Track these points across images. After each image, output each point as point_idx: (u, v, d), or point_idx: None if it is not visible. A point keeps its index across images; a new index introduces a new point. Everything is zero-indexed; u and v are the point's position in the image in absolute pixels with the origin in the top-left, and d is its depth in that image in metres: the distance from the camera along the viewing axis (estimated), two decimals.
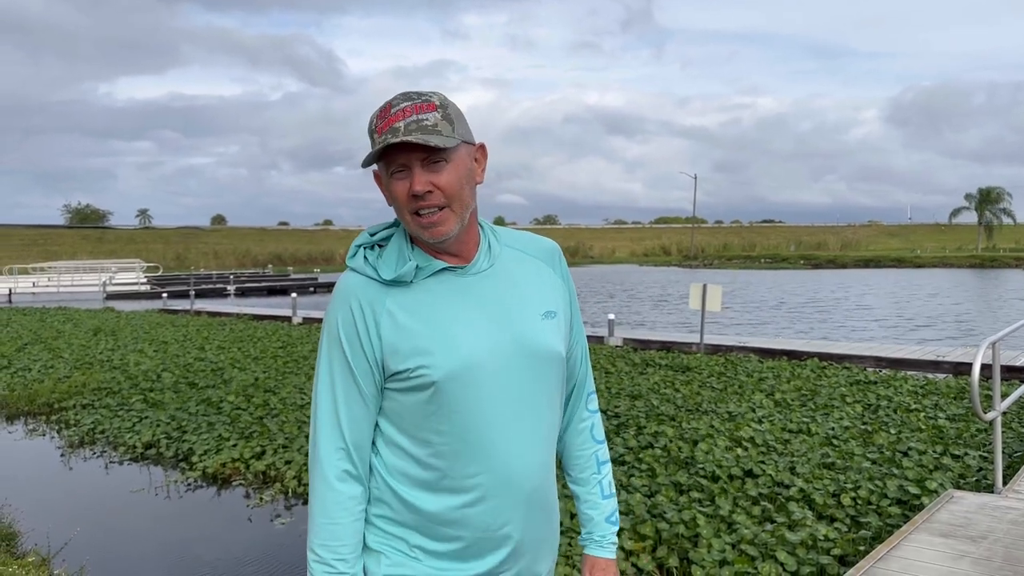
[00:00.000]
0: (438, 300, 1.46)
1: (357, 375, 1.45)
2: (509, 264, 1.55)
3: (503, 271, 1.53)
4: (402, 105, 1.40)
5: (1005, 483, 5.20)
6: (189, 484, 6.68)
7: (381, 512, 1.50)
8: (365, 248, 1.50)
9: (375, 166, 1.48)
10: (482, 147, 1.53)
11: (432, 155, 1.41)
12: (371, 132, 1.43)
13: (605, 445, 1.75)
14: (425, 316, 1.44)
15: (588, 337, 14.11)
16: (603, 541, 1.70)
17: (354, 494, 1.46)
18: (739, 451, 6.37)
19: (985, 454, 6.25)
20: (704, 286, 12.56)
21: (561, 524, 3.66)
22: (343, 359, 1.45)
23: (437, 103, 1.42)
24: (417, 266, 1.46)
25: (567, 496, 4.82)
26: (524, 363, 1.49)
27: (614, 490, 1.74)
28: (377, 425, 1.50)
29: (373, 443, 1.51)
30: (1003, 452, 6.08)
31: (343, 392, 1.46)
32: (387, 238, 1.51)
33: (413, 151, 1.40)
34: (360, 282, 1.46)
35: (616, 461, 6.29)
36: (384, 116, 1.41)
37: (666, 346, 13.51)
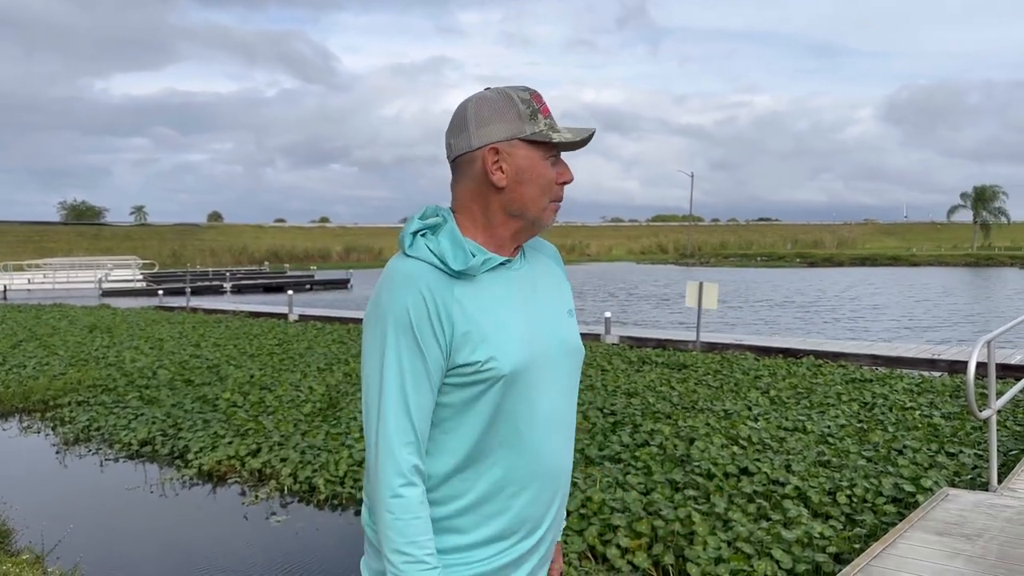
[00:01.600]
0: (496, 294, 1.46)
1: (430, 363, 1.40)
2: (534, 263, 1.58)
3: (532, 269, 1.57)
4: (543, 98, 1.50)
5: (1000, 481, 5.21)
6: (184, 482, 6.67)
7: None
8: (423, 236, 1.47)
9: (515, 139, 1.46)
10: None
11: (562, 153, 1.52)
12: (531, 111, 1.46)
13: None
14: (489, 309, 1.44)
15: (585, 335, 14.19)
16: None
17: (425, 489, 1.44)
18: (735, 449, 6.38)
19: (980, 452, 6.26)
20: (700, 284, 12.57)
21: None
22: (415, 346, 1.39)
23: None
24: (483, 260, 1.46)
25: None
26: (565, 358, 1.54)
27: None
28: None
29: None
30: (998, 450, 6.09)
31: (412, 381, 1.40)
32: (435, 227, 1.49)
33: (566, 147, 1.49)
34: (426, 269, 1.41)
35: (612, 459, 6.29)
36: (540, 101, 1.48)
37: (662, 344, 13.52)
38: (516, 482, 1.47)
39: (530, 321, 1.49)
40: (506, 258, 1.50)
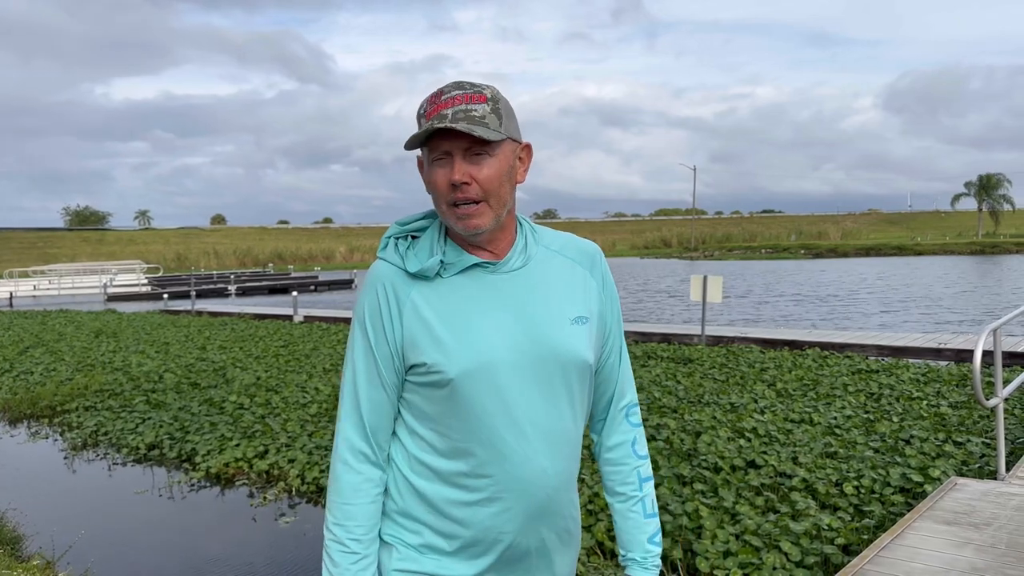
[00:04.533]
0: (463, 297, 1.44)
1: (379, 360, 1.46)
2: (543, 265, 1.51)
3: (536, 271, 1.50)
4: (453, 93, 1.39)
5: (1008, 469, 5.19)
6: (193, 485, 6.69)
7: (396, 506, 1.50)
8: (396, 239, 1.51)
9: (419, 151, 1.47)
10: (528, 147, 1.50)
11: (475, 146, 1.39)
12: (419, 116, 1.42)
13: (648, 461, 1.67)
14: (447, 312, 1.43)
15: None
16: (645, 563, 1.62)
17: (371, 476, 1.48)
18: (741, 442, 6.37)
19: (988, 441, 6.24)
20: (704, 277, 12.56)
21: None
22: (367, 344, 1.47)
23: (488, 96, 1.41)
24: (442, 261, 1.44)
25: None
26: (545, 367, 1.45)
27: (657, 509, 1.66)
28: (399, 414, 1.51)
29: (394, 432, 1.52)
30: (1006, 438, 6.07)
31: (364, 376, 1.47)
32: (422, 229, 1.51)
33: (457, 140, 1.38)
34: (389, 270, 1.47)
35: None
36: (434, 102, 1.40)
37: (667, 338, 13.50)
38: (482, 491, 1.44)
39: (502, 326, 1.43)
40: (485, 260, 1.46)
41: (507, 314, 1.44)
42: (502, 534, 1.47)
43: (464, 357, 1.40)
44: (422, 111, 1.41)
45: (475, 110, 1.38)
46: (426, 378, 1.43)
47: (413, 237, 1.51)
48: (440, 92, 1.40)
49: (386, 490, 1.52)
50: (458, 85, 1.41)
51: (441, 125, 1.34)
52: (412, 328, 1.43)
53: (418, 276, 1.44)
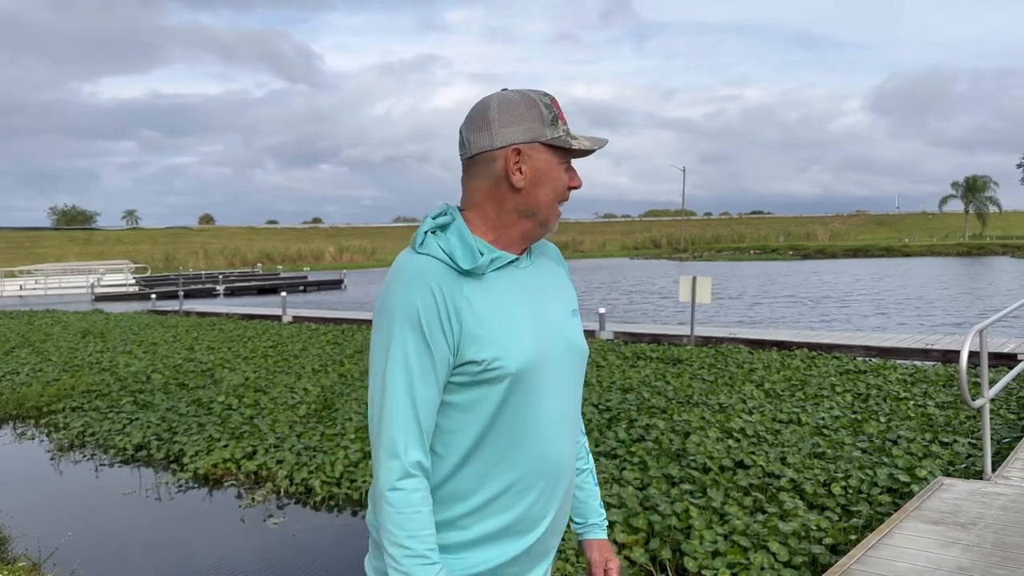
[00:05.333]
0: (502, 293, 1.47)
1: (436, 360, 1.40)
2: (539, 262, 1.60)
3: (540, 269, 1.59)
4: (560, 105, 1.52)
5: (994, 469, 5.23)
6: (180, 485, 6.66)
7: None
8: (433, 234, 1.48)
9: (536, 143, 1.49)
10: None
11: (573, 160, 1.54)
12: (552, 115, 1.49)
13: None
14: (494, 307, 1.45)
15: None
16: (601, 523, 1.79)
17: (428, 484, 1.43)
18: (730, 442, 6.39)
19: (974, 441, 6.29)
20: (693, 278, 12.59)
21: None
22: (422, 343, 1.39)
23: None
24: (492, 259, 1.48)
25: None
26: (569, 358, 1.55)
27: None
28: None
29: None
30: (992, 438, 6.12)
31: (420, 377, 1.40)
32: (445, 225, 1.50)
33: (579, 153, 1.53)
34: (435, 266, 1.42)
35: (608, 455, 6.30)
36: (558, 107, 1.51)
37: (657, 339, 13.53)
38: (522, 481, 1.48)
39: (537, 321, 1.50)
40: (514, 257, 1.52)
41: (536, 309, 1.51)
42: (545, 513, 1.53)
43: (519, 352, 1.44)
44: (552, 114, 1.49)
45: None
46: (481, 376, 1.42)
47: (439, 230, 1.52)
48: (553, 98, 1.52)
49: None
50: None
51: (602, 146, 1.53)
52: (470, 324, 1.41)
53: (468, 273, 1.44)
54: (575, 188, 1.54)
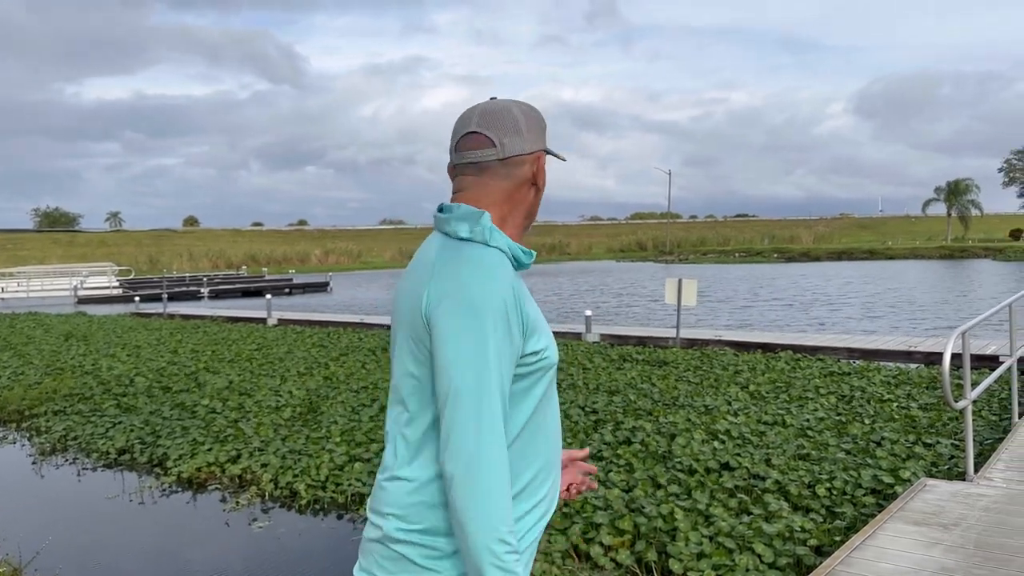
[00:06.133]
0: (524, 289, 1.54)
1: (517, 354, 1.45)
2: None
3: None
4: None
5: (976, 470, 5.27)
6: (164, 489, 6.61)
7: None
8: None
9: (547, 152, 1.62)
10: None
11: None
12: (543, 126, 1.62)
13: None
14: (530, 302, 1.52)
15: (567, 333, 14.21)
16: None
17: None
18: (715, 444, 6.41)
19: (957, 442, 6.34)
20: (679, 281, 12.63)
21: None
22: (508, 338, 1.41)
23: None
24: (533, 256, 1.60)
25: None
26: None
27: None
28: None
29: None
30: (974, 440, 6.17)
31: (508, 373, 1.42)
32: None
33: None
34: (507, 260, 1.49)
35: (594, 457, 6.31)
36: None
37: (643, 341, 13.56)
38: (550, 465, 1.56)
39: (543, 317, 1.60)
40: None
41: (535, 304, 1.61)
42: (555, 497, 1.61)
43: (553, 344, 1.55)
44: (544, 123, 1.63)
45: None
46: (534, 366, 1.48)
47: None
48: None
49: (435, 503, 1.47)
50: None
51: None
52: (529, 317, 1.48)
53: (517, 267, 1.54)
54: None
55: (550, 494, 1.57)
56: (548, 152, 1.62)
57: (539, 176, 1.59)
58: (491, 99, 1.59)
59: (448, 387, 1.39)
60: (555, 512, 1.67)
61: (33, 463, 7.63)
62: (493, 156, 1.53)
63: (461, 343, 1.39)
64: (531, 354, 1.47)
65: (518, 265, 1.53)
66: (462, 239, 1.48)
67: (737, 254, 72.77)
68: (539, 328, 1.50)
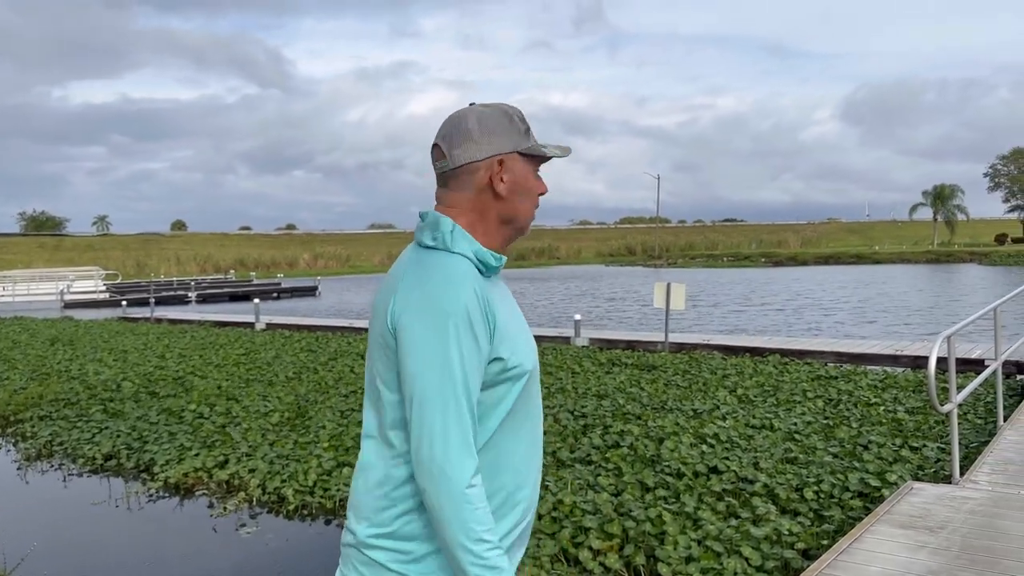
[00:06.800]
0: (499, 295, 1.55)
1: (483, 358, 1.45)
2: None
3: (498, 277, 1.64)
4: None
5: (962, 474, 5.31)
6: (151, 495, 6.57)
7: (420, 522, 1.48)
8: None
9: (508, 153, 1.56)
10: None
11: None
12: (524, 125, 1.58)
13: None
14: (503, 308, 1.52)
15: (555, 337, 14.22)
16: None
17: None
18: (704, 448, 6.43)
19: (943, 445, 6.38)
20: (668, 285, 12.66)
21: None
22: (474, 343, 1.42)
23: None
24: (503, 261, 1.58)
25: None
26: (538, 359, 1.64)
27: None
28: None
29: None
30: (960, 443, 6.20)
31: (474, 378, 1.43)
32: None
33: (545, 160, 1.63)
34: (471, 266, 1.49)
35: (583, 461, 6.31)
36: (525, 120, 1.60)
37: (631, 345, 13.59)
38: (530, 473, 1.56)
39: (523, 323, 1.59)
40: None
41: (518, 312, 1.61)
42: (532, 503, 1.59)
43: (529, 351, 1.54)
44: (525, 125, 1.58)
45: None
46: (503, 375, 1.48)
47: None
48: (518, 110, 1.59)
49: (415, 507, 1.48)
50: None
51: (567, 155, 1.62)
52: (499, 323, 1.48)
53: (485, 273, 1.52)
54: (543, 194, 1.63)
55: (530, 500, 1.57)
56: (524, 153, 1.57)
57: (495, 182, 1.54)
58: (470, 104, 1.60)
59: (413, 394, 1.42)
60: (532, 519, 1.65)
61: (18, 469, 7.57)
62: (445, 167, 1.56)
63: (425, 350, 1.42)
64: (497, 360, 1.46)
65: (487, 269, 1.51)
66: (427, 247, 1.51)
67: (725, 258, 73.01)
68: (507, 335, 1.48)
